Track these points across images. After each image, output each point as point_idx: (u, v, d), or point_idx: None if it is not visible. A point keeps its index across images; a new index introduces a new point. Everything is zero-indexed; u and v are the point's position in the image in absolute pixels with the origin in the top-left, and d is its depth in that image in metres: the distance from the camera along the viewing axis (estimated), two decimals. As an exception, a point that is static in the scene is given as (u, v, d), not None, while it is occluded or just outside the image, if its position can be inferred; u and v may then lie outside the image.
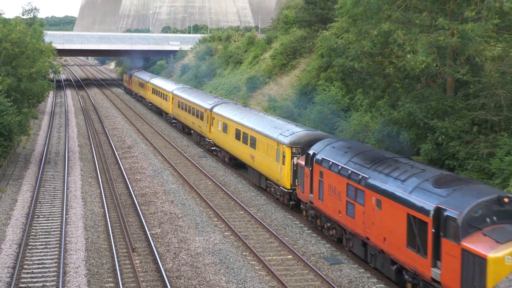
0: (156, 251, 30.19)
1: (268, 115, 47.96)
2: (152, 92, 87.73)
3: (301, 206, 35.86)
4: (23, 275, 27.42)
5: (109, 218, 35.88)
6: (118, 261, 28.87)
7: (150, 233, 33.06)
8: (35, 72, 57.77)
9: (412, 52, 32.35)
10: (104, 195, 41.12)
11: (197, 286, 26.22)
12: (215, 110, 54.26)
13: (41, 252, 30.57)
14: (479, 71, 33.79)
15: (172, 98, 73.52)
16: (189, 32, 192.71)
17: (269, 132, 40.40)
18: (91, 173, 48.65)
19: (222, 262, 29.02)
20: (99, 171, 48.51)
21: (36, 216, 36.60)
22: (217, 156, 54.51)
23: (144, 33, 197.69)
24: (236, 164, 49.72)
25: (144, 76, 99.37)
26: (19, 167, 50.76)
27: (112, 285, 26.55)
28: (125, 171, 48.41)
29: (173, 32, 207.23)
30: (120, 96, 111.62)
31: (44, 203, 39.54)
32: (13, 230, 33.84)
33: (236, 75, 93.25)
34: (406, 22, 34.05)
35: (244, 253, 30.65)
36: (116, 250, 30.53)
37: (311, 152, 33.48)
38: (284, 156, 37.20)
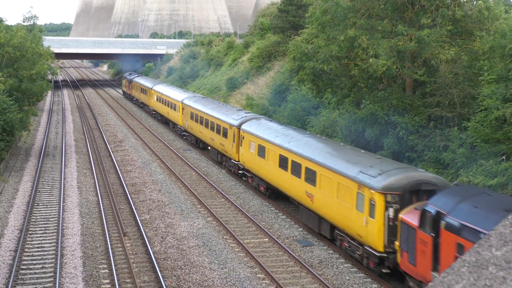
0: (145, 235, 30.02)
1: (324, 138, 34.26)
2: (157, 100, 74.18)
3: (410, 284, 22.77)
4: (24, 258, 27.18)
5: (103, 206, 35.63)
6: (110, 245, 28.67)
7: (139, 219, 32.87)
8: (35, 74, 57.38)
9: (375, 56, 32.48)
10: (98, 185, 40.83)
11: (182, 266, 26.10)
12: (244, 127, 40.52)
13: (40, 236, 30.32)
14: (435, 72, 34.02)
15: (183, 108, 59.41)
16: (174, 38, 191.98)
17: (341, 167, 27.18)
18: (86, 165, 48.30)
19: (205, 245, 28.92)
20: (93, 163, 48.17)
21: (36, 204, 36.29)
22: (247, 183, 41.04)
23: (134, 38, 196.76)
24: (274, 193, 37.04)
25: (146, 82, 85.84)
26: (20, 159, 50.32)
27: (105, 266, 26.37)
28: (117, 163, 48.10)
29: (160, 38, 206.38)
30: (112, 95, 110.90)
31: (43, 192, 39.21)
32: (15, 216, 33.55)
33: (217, 76, 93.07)
34: (369, 28, 34.16)
35: (225, 237, 30.55)
36: (109, 234, 30.33)
37: (431, 209, 20.80)
38: (373, 205, 24.23)
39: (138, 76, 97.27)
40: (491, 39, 30.96)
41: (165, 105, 68.49)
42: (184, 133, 59.89)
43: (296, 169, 31.71)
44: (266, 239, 30.22)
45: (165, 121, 71.21)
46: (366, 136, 35.70)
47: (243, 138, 40.41)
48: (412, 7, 33.20)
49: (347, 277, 25.32)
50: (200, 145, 54.83)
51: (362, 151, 29.89)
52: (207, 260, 26.94)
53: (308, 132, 36.56)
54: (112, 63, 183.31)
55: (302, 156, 31.09)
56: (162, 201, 36.97)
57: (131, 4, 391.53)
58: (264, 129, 38.12)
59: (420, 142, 32.76)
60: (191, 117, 55.58)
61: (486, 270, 2.89)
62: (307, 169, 30.39)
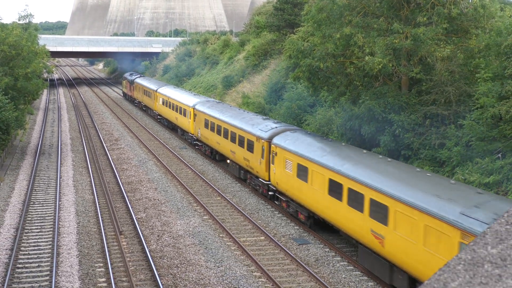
0: (141, 233, 30.02)
1: (389, 160, 26.28)
2: (163, 104, 66.93)
3: None
4: (20, 256, 27.15)
5: (98, 204, 35.61)
6: (106, 243, 28.67)
7: (135, 218, 32.85)
8: (31, 72, 57.25)
9: (371, 54, 32.48)
10: (94, 183, 40.80)
11: (178, 265, 26.10)
12: (278, 141, 33.72)
13: (36, 235, 30.29)
14: (431, 70, 34.05)
15: (195, 115, 52.36)
16: (170, 36, 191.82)
17: (429, 205, 20.52)
18: (82, 163, 48.25)
19: (201, 243, 28.92)
20: (89, 162, 48.12)
21: (32, 203, 36.24)
22: (281, 207, 34.54)
23: (130, 37, 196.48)
24: (317, 223, 30.78)
25: (150, 83, 78.34)
26: (16, 158, 50.25)
27: (101, 265, 26.35)
28: (113, 162, 48.07)
29: (156, 36, 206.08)
30: (108, 93, 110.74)
31: (39, 191, 39.16)
32: (11, 215, 33.50)
33: (213, 75, 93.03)
34: (365, 26, 34.16)
35: (221, 235, 30.56)
36: (105, 233, 30.32)
37: None
38: None
39: (140, 76, 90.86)
40: (487, 37, 31.01)
41: (173, 109, 61.27)
42: (196, 142, 52.86)
43: (355, 200, 25.13)
44: (262, 237, 30.23)
45: (173, 127, 64.72)
46: (363, 133, 35.72)
47: (276, 154, 33.77)
48: (408, 5, 33.22)
49: (343, 275, 25.34)
50: (216, 157, 48.13)
51: (452, 180, 22.63)
52: (203, 258, 26.95)
53: (364, 151, 28.79)
54: (107, 62, 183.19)
55: (364, 184, 24.42)
56: (158, 200, 36.96)
57: (127, 2, 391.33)
58: (304, 145, 31.31)
59: (416, 140, 32.81)
60: (206, 125, 48.34)
61: (482, 268, 2.89)
62: (373, 201, 23.81)
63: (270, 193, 35.42)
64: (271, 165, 34.59)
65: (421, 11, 32.63)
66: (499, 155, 28.02)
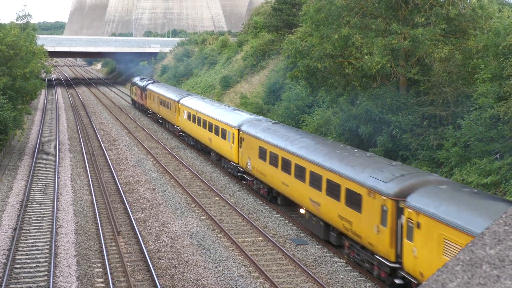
0: (139, 234, 29.99)
1: None
2: (189, 119, 53.55)
3: None
4: (18, 257, 27.13)
5: (96, 204, 35.57)
6: (104, 244, 28.64)
7: (133, 218, 32.82)
8: (29, 72, 57.22)
9: (369, 54, 32.54)
10: (92, 184, 40.76)
11: (176, 265, 26.08)
12: (419, 204, 20.59)
13: (34, 235, 30.26)
14: (429, 71, 34.12)
15: (241, 139, 39.11)
16: (168, 36, 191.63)
17: None
18: (80, 163, 48.21)
19: (199, 244, 28.90)
20: (87, 162, 48.08)
21: (30, 203, 36.22)
22: None
23: (128, 37, 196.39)
24: None
25: (168, 92, 64.92)
26: (14, 158, 50.20)
27: (99, 265, 26.33)
28: (111, 162, 48.02)
29: (154, 36, 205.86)
30: (106, 94, 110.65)
31: (37, 191, 39.13)
32: (9, 215, 33.48)
33: (211, 75, 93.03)
34: (363, 27, 34.21)
35: (219, 236, 30.54)
36: (103, 233, 30.28)
37: None
38: None
39: (154, 82, 78.64)
40: (485, 37, 31.03)
41: (205, 127, 48.02)
42: (243, 175, 39.76)
43: None
44: (260, 238, 30.21)
45: (202, 149, 51.77)
46: (360, 133, 35.75)
47: (419, 226, 20.48)
48: (406, 5, 33.26)
49: (341, 276, 25.33)
50: (278, 200, 35.21)
51: None
52: (201, 258, 26.93)
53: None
54: (106, 62, 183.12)
55: None
56: (156, 200, 36.93)
57: (125, 2, 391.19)
58: (478, 215, 18.55)
59: (414, 141, 32.84)
60: (261, 156, 35.33)
61: (480, 268, 2.89)
62: None
63: (397, 281, 22.51)
64: (406, 241, 21.46)
65: (419, 11, 32.68)
66: (497, 155, 28.05)
